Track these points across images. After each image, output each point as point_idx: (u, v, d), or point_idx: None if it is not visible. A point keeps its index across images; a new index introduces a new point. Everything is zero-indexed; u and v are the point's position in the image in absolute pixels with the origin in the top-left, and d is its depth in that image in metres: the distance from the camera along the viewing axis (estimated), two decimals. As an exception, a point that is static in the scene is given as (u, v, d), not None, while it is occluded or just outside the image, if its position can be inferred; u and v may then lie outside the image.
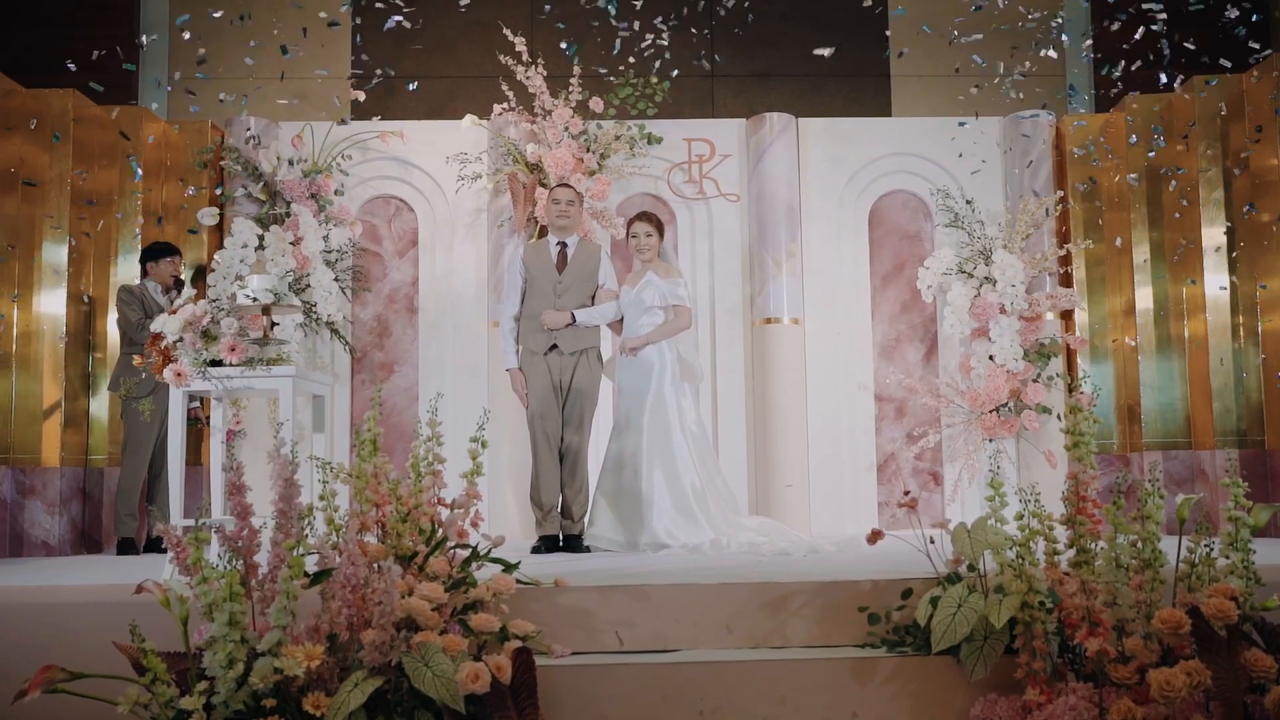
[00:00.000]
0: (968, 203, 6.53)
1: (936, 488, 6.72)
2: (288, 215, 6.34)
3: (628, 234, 5.37)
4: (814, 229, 6.77)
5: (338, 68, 7.19)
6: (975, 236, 6.47)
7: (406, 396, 6.74)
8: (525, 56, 6.45)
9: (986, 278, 6.39)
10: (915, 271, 6.58)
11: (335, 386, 6.59)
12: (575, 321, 5.20)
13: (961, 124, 6.74)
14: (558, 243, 5.34)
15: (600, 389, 5.32)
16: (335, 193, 6.59)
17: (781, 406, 6.48)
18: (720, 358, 6.71)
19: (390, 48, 7.08)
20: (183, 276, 6.03)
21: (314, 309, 6.27)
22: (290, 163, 6.50)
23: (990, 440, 6.36)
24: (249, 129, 6.51)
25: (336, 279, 6.43)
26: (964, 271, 6.43)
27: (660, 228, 5.36)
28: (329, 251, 6.43)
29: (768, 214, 6.66)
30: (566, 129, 6.39)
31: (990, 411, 6.31)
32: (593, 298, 5.31)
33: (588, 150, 6.50)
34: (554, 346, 5.20)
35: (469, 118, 6.48)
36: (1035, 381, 6.32)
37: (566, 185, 5.51)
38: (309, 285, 6.25)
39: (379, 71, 6.95)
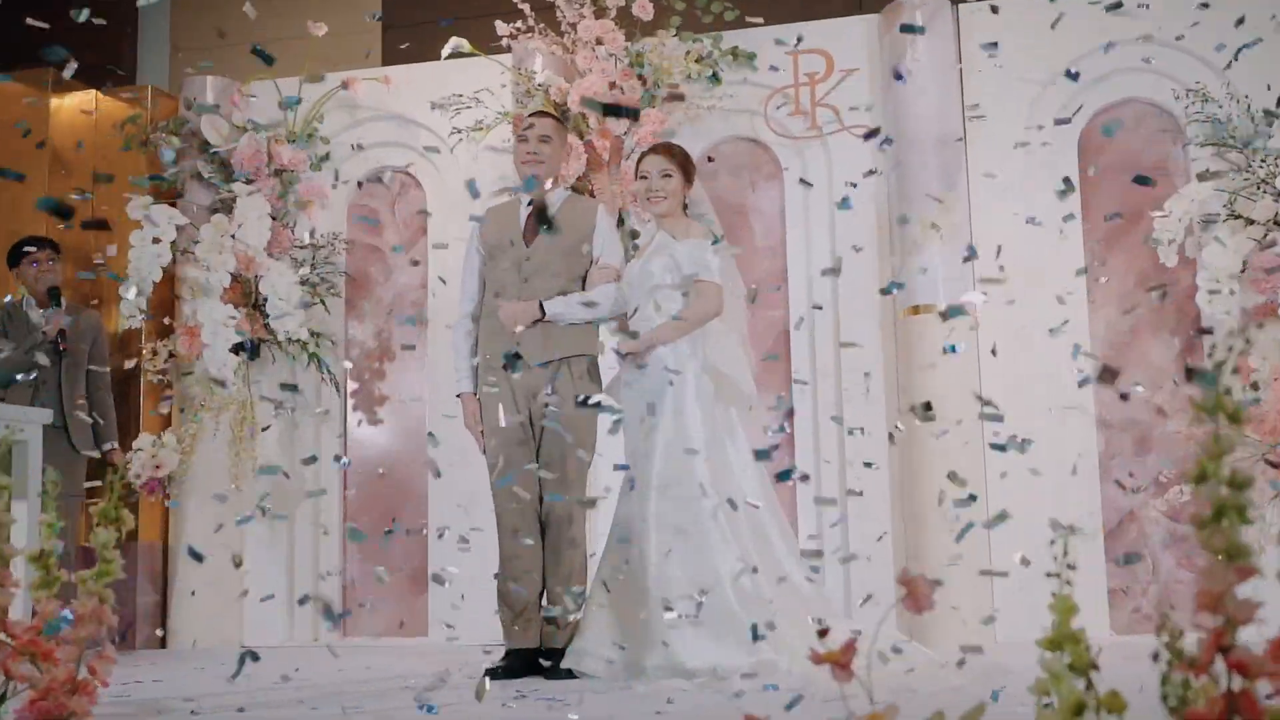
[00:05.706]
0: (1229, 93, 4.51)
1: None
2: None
3: (636, 174, 3.84)
4: (987, 170, 4.89)
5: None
6: (1253, 159, 4.46)
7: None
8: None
9: (1275, 220, 4.37)
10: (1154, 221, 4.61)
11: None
12: (545, 315, 3.72)
13: None
14: (529, 200, 3.88)
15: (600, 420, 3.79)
16: (311, 167, 5.45)
17: (935, 445, 4.65)
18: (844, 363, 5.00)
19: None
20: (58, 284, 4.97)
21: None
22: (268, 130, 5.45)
23: (1292, 490, 4.31)
24: (195, 97, 5.46)
25: (307, 281, 5.29)
26: (1235, 215, 4.44)
27: (686, 166, 3.79)
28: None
29: (913, 153, 4.92)
30: (599, 44, 4.91)
31: (1290, 443, 4.27)
32: (582, 280, 3.82)
33: (639, 77, 5.01)
34: (517, 356, 3.71)
35: (454, 41, 5.00)
36: (1369, 392, 4.22)
37: (544, 113, 4.05)
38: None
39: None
